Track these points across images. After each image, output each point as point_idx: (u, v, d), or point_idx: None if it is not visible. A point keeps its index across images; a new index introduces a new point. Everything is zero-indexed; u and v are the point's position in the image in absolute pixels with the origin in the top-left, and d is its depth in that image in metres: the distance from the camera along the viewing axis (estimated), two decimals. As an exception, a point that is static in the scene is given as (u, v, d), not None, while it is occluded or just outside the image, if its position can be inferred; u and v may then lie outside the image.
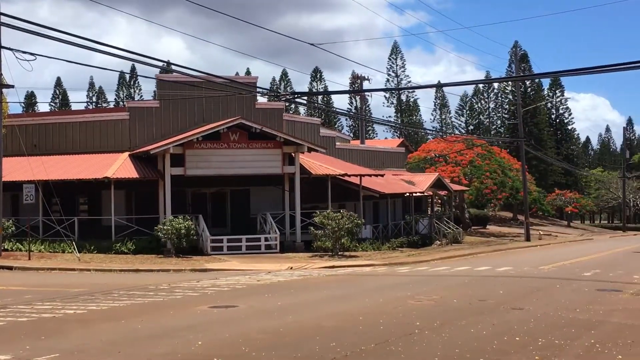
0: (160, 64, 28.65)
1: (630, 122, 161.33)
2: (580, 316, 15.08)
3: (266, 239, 35.31)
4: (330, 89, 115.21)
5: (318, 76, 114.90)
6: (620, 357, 10.89)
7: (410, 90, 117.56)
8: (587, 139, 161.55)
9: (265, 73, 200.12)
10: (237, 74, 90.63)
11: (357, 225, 34.98)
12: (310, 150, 36.95)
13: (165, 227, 32.29)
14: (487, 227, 70.28)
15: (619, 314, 15.50)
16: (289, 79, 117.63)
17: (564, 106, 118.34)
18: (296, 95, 40.72)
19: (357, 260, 32.50)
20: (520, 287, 21.16)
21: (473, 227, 63.81)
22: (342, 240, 34.46)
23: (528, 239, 54.87)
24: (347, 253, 34.64)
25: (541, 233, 63.20)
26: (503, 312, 15.73)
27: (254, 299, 18.12)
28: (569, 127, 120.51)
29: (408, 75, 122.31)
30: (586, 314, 15.43)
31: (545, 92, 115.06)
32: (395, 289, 20.51)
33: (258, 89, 32.32)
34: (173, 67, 32.84)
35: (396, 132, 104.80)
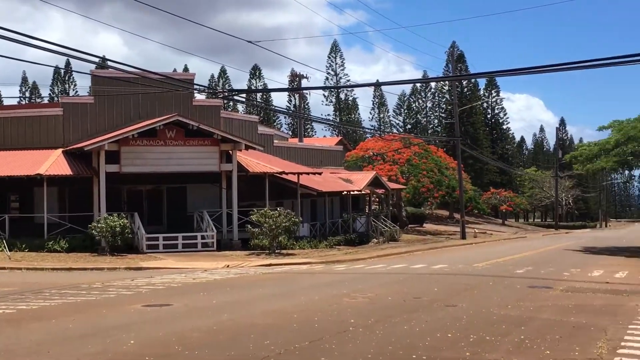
0: (96, 59, 27.97)
1: (563, 123, 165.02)
2: (512, 312, 15.34)
3: (203, 237, 35.07)
4: (269, 86, 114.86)
5: (257, 74, 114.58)
6: (548, 352, 11.11)
7: (349, 89, 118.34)
8: (522, 138, 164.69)
9: (204, 70, 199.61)
10: (174, 70, 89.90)
11: (295, 224, 34.97)
12: (247, 148, 36.81)
13: (99, 225, 31.78)
14: (424, 225, 71.03)
15: (549, 310, 15.81)
16: (228, 77, 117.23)
17: (500, 106, 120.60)
18: (234, 93, 40.46)
19: (294, 258, 32.49)
20: (454, 284, 21.43)
21: (410, 226, 64.40)
22: (280, 239, 34.38)
23: (464, 237, 55.64)
24: (284, 251, 34.58)
25: (476, 231, 64.15)
26: (437, 309, 15.91)
27: (189, 297, 17.97)
28: (504, 127, 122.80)
29: (347, 74, 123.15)
30: (517, 310, 15.70)
31: (482, 92, 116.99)
32: (331, 286, 20.57)
33: (195, 86, 32.02)
34: (109, 62, 32.43)
35: (335, 131, 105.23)
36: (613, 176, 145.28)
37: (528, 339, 12.16)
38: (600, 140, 43.36)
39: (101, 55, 32.83)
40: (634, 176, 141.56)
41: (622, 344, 11.78)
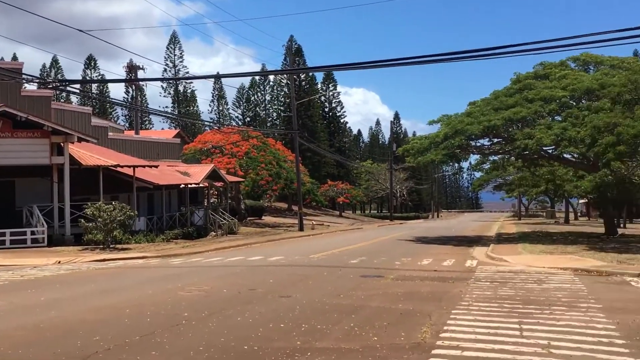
0: None
1: (397, 116, 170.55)
2: (344, 301, 15.70)
3: (33, 233, 33.79)
4: (106, 77, 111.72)
5: (92, 64, 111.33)
6: (375, 338, 11.46)
7: (188, 81, 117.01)
8: (359, 132, 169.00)
9: (35, 60, 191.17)
10: (2, 59, 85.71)
11: (130, 217, 34.32)
12: (80, 140, 35.75)
13: None
14: (263, 217, 71.41)
15: (379, 298, 16.31)
16: (60, 67, 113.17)
17: (337, 100, 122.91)
18: (66, 83, 39.08)
19: (130, 252, 31.84)
20: (289, 275, 21.70)
21: (249, 218, 64.59)
22: (115, 233, 33.62)
23: (301, 228, 56.37)
24: (119, 246, 33.85)
25: (314, 223, 65.21)
26: (271, 300, 16.06)
27: (16, 294, 17.24)
28: (342, 120, 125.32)
29: (186, 66, 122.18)
30: (349, 299, 16.09)
31: (319, 86, 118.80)
32: (166, 280, 20.33)
33: (24, 76, 30.69)
34: None
35: (173, 123, 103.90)
36: (444, 168, 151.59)
37: (357, 327, 12.49)
38: (430, 133, 45.02)
39: None
40: (463, 168, 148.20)
41: (445, 328, 12.31)
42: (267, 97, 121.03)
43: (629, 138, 29.95)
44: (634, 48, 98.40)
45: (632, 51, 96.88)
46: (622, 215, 73.02)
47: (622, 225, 66.25)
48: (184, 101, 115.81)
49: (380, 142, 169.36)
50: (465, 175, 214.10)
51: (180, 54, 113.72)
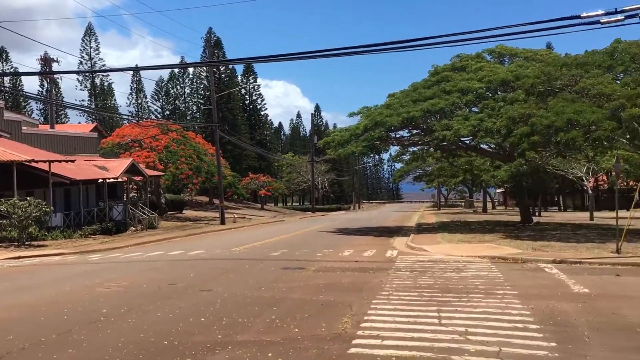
0: None
1: (318, 109, 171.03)
2: (265, 294, 15.69)
3: (-57, 231, 32.71)
4: (20, 70, 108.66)
5: (4, 57, 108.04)
6: (296, 330, 11.50)
7: (105, 74, 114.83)
8: (280, 124, 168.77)
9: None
10: None
11: (46, 213, 33.57)
12: (-8, 134, 34.72)
13: None
14: (184, 211, 70.74)
15: (300, 290, 16.35)
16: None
17: (257, 92, 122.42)
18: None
19: (46, 249, 31.12)
20: (211, 269, 21.57)
21: (170, 212, 63.89)
22: (30, 229, 32.81)
23: (223, 222, 56.02)
24: (35, 243, 33.06)
25: (236, 216, 64.92)
26: (191, 294, 15.92)
27: None
28: (262, 113, 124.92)
29: (102, 59, 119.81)
30: (270, 291, 16.08)
31: (240, 79, 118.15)
32: (84, 277, 19.95)
33: None
34: None
35: (90, 117, 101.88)
36: (364, 160, 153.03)
37: (279, 319, 12.50)
38: (351, 126, 45.21)
39: None
40: (383, 159, 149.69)
41: (366, 318, 12.43)
42: (187, 90, 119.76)
43: (543, 128, 30.64)
44: (547, 40, 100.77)
45: (545, 43, 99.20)
46: (537, 203, 74.99)
47: (537, 213, 68.02)
48: (101, 94, 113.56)
49: (302, 134, 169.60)
50: (385, 166, 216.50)
51: (97, 46, 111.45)
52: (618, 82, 32.22)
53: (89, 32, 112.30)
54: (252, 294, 15.66)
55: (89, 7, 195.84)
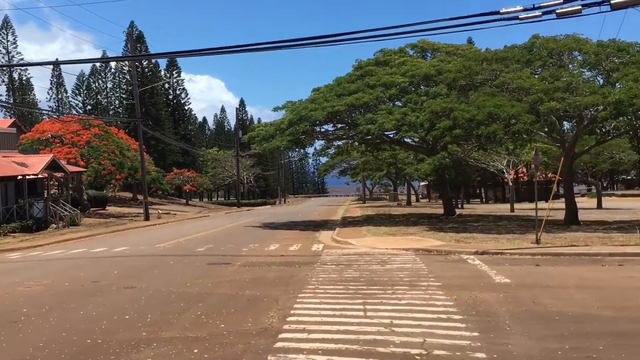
0: None
1: (242, 103, 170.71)
2: (190, 290, 15.58)
3: None
4: None
5: None
6: (223, 325, 11.45)
7: (24, 68, 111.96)
8: (204, 119, 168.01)
9: None
10: None
11: (-37, 212, 32.62)
12: None
13: None
14: (107, 208, 69.61)
15: (226, 285, 16.29)
16: None
17: (181, 87, 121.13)
18: None
19: (-37, 248, 30.27)
20: (135, 266, 21.31)
21: (92, 209, 62.77)
22: (-54, 228, 31.87)
23: (147, 218, 55.40)
24: (-49, 242, 32.16)
25: (160, 212, 64.19)
26: (115, 291, 15.72)
27: None
28: (187, 108, 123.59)
29: (21, 52, 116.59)
30: (196, 287, 15.99)
31: (163, 73, 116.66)
32: (3, 276, 19.52)
33: None
34: None
35: (8, 112, 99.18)
36: (290, 154, 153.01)
37: (205, 315, 12.44)
38: (275, 120, 45.16)
39: None
40: (308, 154, 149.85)
41: (292, 312, 12.47)
42: (109, 85, 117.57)
43: (464, 122, 31.17)
44: (468, 35, 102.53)
45: (466, 39, 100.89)
46: (460, 196, 76.33)
47: (459, 205, 69.23)
48: (19, 89, 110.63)
49: (226, 129, 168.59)
50: (311, 160, 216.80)
51: (14, 39, 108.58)
52: (536, 76, 33.00)
53: (6, 25, 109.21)
54: (178, 290, 15.54)
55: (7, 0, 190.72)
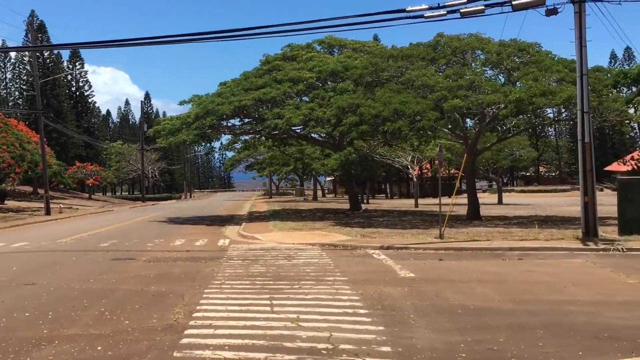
0: None
1: (148, 96, 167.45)
2: (94, 286, 15.28)
3: None
4: None
5: None
6: (127, 322, 11.23)
7: None
8: (108, 112, 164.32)
9: None
10: None
11: None
12: None
13: None
14: (6, 202, 67.51)
15: (131, 281, 16.03)
16: None
17: (85, 79, 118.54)
18: None
19: None
20: (35, 261, 20.74)
21: (-10, 203, 60.83)
22: None
23: (48, 212, 53.97)
24: None
25: (62, 206, 62.70)
26: (15, 288, 15.26)
27: None
28: (90, 100, 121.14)
29: None
30: (99, 283, 15.68)
31: (65, 64, 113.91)
32: None
33: None
34: None
35: None
36: (196, 148, 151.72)
37: (108, 311, 12.21)
38: (182, 114, 44.69)
39: None
40: (215, 148, 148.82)
41: (198, 307, 12.37)
42: (9, 75, 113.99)
43: (370, 118, 31.56)
44: (374, 32, 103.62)
45: (372, 35, 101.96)
46: (366, 191, 77.19)
47: (365, 201, 70.00)
48: None
49: (131, 122, 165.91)
50: (217, 155, 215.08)
51: None
52: (441, 74, 33.68)
53: None
54: (80, 287, 15.21)
55: None
